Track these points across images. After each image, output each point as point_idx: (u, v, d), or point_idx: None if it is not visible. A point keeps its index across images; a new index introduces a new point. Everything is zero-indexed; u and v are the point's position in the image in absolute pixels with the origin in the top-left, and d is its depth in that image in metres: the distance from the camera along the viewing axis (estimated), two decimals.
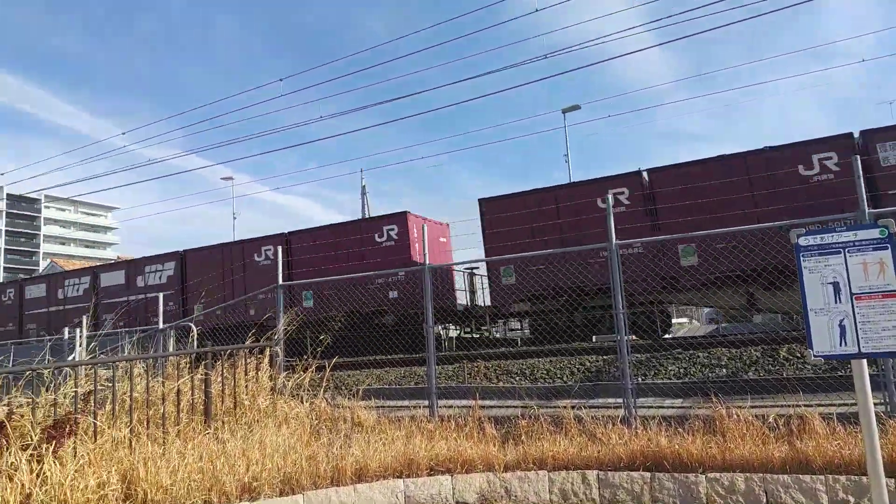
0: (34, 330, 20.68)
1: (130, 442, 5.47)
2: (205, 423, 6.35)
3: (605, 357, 9.78)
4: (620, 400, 6.75)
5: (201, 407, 6.53)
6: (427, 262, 8.08)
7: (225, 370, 6.87)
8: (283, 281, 9.29)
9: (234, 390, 6.81)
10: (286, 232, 17.13)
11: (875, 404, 3.73)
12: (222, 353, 7.04)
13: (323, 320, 13.19)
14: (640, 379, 8.22)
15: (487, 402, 8.00)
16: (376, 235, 15.50)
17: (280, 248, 10.08)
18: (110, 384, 5.96)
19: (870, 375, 3.53)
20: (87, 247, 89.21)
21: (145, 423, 5.87)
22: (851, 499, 4.60)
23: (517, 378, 9.75)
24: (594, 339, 15.44)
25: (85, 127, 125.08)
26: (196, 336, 8.95)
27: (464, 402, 7.80)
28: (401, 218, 15.43)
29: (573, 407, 6.72)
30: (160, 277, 18.88)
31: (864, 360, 3.43)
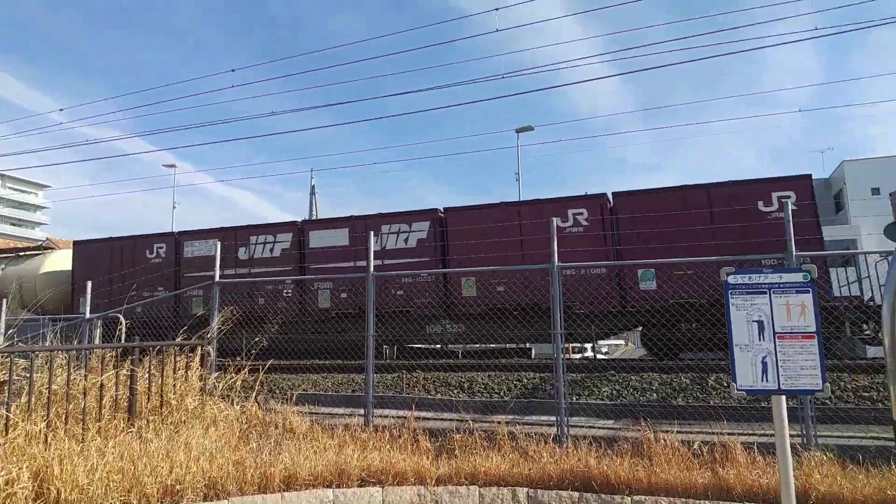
0: None
1: (46, 437, 5.20)
2: (128, 421, 6.10)
3: (541, 374, 9.93)
4: (554, 418, 6.86)
5: (125, 404, 6.27)
6: (371, 269, 8.03)
7: (153, 367, 6.62)
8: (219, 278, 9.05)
9: (161, 388, 6.57)
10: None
11: (792, 436, 3.94)
12: (151, 348, 6.78)
13: (261, 319, 12.90)
14: (574, 398, 8.37)
15: (424, 414, 7.99)
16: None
17: (219, 244, 9.80)
18: (28, 374, 5.66)
19: (789, 408, 3.71)
20: (13, 224, 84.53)
21: (64, 418, 5.59)
22: None
23: (455, 391, 9.78)
24: (533, 356, 15.68)
25: (20, 99, 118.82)
26: (125, 329, 8.61)
27: (400, 413, 7.77)
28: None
29: (508, 423, 6.79)
30: None
31: (784, 396, 3.61)
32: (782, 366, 3.55)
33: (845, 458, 5.47)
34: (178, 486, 4.98)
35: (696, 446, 5.80)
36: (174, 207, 40.12)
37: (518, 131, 30.07)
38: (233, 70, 35.50)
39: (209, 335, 7.99)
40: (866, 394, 7.81)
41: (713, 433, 6.19)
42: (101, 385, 6.01)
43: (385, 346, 14.81)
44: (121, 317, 9.44)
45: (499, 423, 6.76)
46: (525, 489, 5.48)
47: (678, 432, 6.12)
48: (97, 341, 9.93)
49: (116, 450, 5.15)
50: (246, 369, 7.70)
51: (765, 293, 3.65)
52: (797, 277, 3.61)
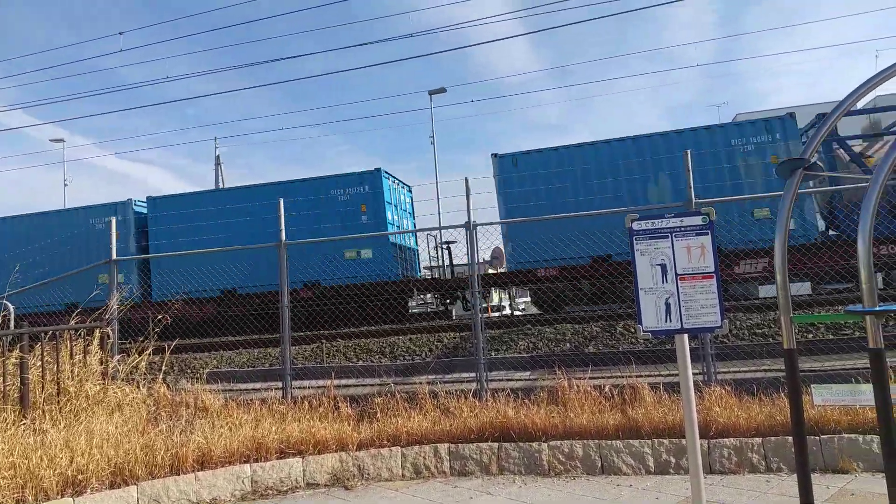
0: None
1: None
2: (20, 413, 5.64)
3: (462, 334, 10.05)
4: (474, 374, 6.97)
5: (16, 395, 5.79)
6: (284, 238, 7.75)
7: (46, 354, 6.14)
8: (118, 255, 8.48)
9: (57, 376, 6.11)
10: None
11: (694, 374, 4.15)
12: (43, 334, 6.27)
13: (163, 300, 12.29)
14: (493, 353, 8.53)
15: (345, 382, 7.91)
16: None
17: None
18: None
19: (691, 349, 3.89)
20: None
21: None
22: (673, 459, 5.10)
23: (377, 357, 9.73)
24: (454, 317, 15.87)
25: None
26: (13, 316, 7.92)
27: (321, 383, 7.64)
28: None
29: (429, 383, 6.82)
30: None
31: (686, 335, 3.77)
32: (684, 306, 3.69)
33: (742, 390, 5.87)
34: (80, 477, 4.67)
35: (606, 390, 6.05)
36: (65, 185, 37.22)
37: (431, 94, 29.78)
38: (120, 33, 32.84)
39: (108, 316, 7.49)
40: (759, 331, 8.41)
41: (622, 377, 6.48)
42: None
43: None
44: (7, 303, 8.68)
45: (420, 384, 6.79)
46: (446, 445, 5.55)
47: (590, 378, 6.36)
48: None
49: (6, 444, 4.75)
50: (150, 350, 7.29)
51: (667, 237, 3.76)
52: (696, 221, 3.73)
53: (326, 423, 6.02)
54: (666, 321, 3.74)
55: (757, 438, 5.04)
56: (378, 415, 6.29)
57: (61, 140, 36.47)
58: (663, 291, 3.77)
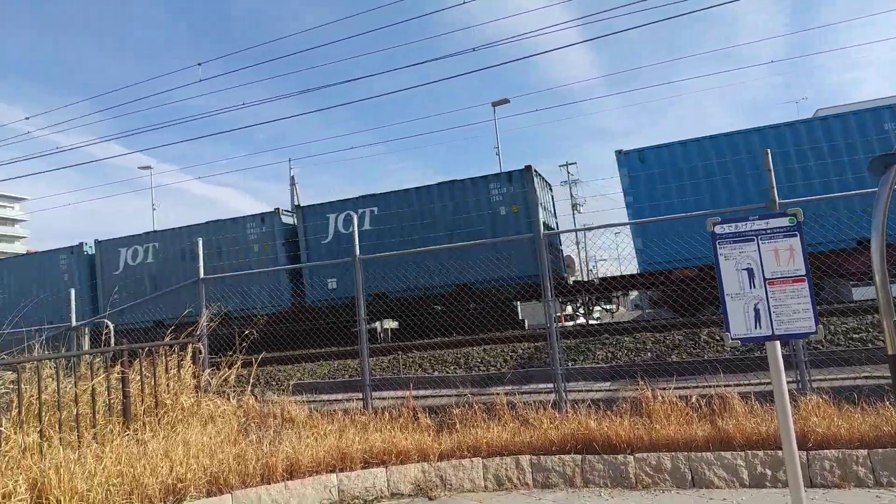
0: None
1: (40, 447, 5.12)
2: (124, 424, 6.02)
3: (536, 344, 9.96)
4: (551, 385, 6.88)
5: (119, 408, 6.19)
6: (358, 252, 7.94)
7: (144, 368, 6.54)
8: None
9: (154, 389, 6.48)
10: None
11: (788, 382, 3.95)
12: (141, 350, 6.68)
13: (248, 315, 12.82)
14: (570, 364, 8.40)
15: (422, 392, 7.99)
16: None
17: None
18: (15, 386, 5.55)
19: (783, 356, 3.71)
20: None
21: (57, 427, 5.50)
22: (769, 472, 4.86)
23: (452, 367, 9.78)
24: (526, 327, 15.75)
25: None
26: (113, 333, 8.49)
27: (398, 394, 7.75)
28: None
29: (506, 393, 6.79)
30: None
31: (778, 342, 3.60)
32: (775, 311, 3.53)
33: (840, 399, 5.53)
34: (179, 485, 4.93)
35: (693, 400, 5.84)
36: (153, 210, 39.66)
37: (494, 105, 29.90)
38: (199, 64, 34.74)
39: (198, 332, 7.89)
40: (856, 335, 7.90)
41: (710, 386, 6.23)
42: (93, 391, 5.91)
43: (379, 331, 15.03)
44: (108, 322, 9.32)
45: (497, 394, 6.77)
46: (528, 456, 5.50)
47: (675, 388, 6.16)
48: (86, 348, 9.80)
49: (114, 454, 5.08)
50: (239, 363, 7.63)
51: (752, 240, 3.62)
52: (783, 222, 3.58)
53: (407, 434, 6.10)
54: (756, 328, 3.59)
55: (862, 450, 4.73)
56: (457, 425, 6.31)
57: (149, 167, 38.93)
58: (751, 297, 3.63)
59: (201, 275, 8.79)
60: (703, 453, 5.07)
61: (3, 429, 5.04)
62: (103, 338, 8.57)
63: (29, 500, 4.40)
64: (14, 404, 5.42)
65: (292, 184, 35.36)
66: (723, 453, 5.02)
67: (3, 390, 5.35)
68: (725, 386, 6.08)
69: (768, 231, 3.63)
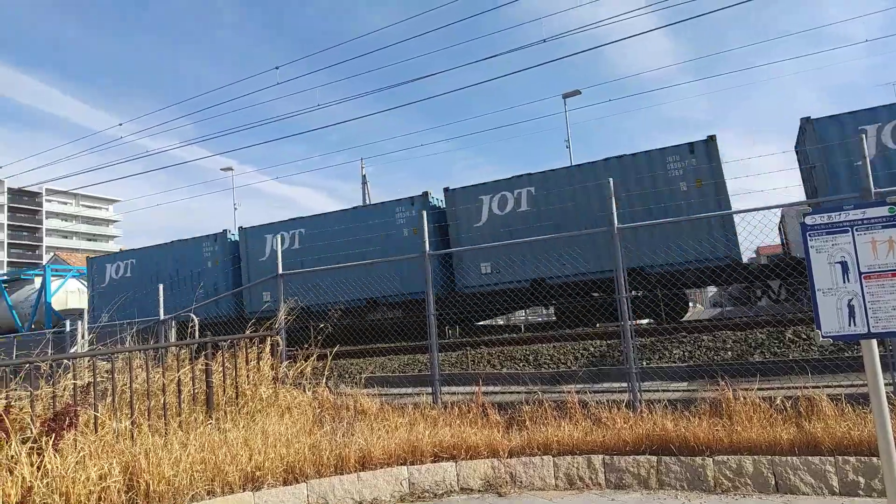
0: None
1: (132, 433, 5.44)
2: (206, 413, 6.31)
3: (608, 342, 9.73)
4: (625, 384, 6.70)
5: (203, 397, 6.49)
6: (427, 248, 8.00)
7: (226, 360, 6.83)
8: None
9: (235, 380, 6.76)
10: None
11: (885, 384, 3.67)
12: (223, 342, 6.98)
13: (324, 309, 13.16)
14: (644, 363, 8.16)
15: (491, 389, 7.96)
16: None
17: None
18: (110, 376, 5.92)
19: (879, 356, 3.46)
20: (89, 240, 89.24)
21: (146, 415, 5.83)
22: (862, 480, 4.55)
23: (521, 364, 9.70)
24: (597, 325, 15.40)
25: (80, 117, 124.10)
26: (198, 326, 8.92)
27: (467, 389, 7.77)
28: None
29: (577, 392, 6.67)
30: None
31: (874, 341, 3.36)
32: (871, 308, 3.29)
33: None
34: (257, 472, 5.13)
35: (778, 402, 5.54)
36: (235, 209, 41.44)
37: (565, 97, 29.35)
38: (276, 67, 36.03)
39: (277, 325, 8.17)
40: None
41: (796, 387, 5.89)
42: (179, 381, 6.23)
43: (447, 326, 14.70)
44: (193, 315, 9.80)
45: (568, 392, 6.66)
46: (601, 456, 5.38)
47: (758, 389, 5.86)
48: (172, 340, 10.35)
49: (197, 441, 5.33)
50: (314, 356, 7.84)
51: (847, 231, 3.39)
52: (882, 212, 3.33)
53: (476, 429, 6.10)
54: (850, 325, 3.37)
55: None
56: (527, 423, 6.26)
57: (230, 168, 40.64)
58: (845, 292, 3.40)
59: (279, 270, 9.11)
60: (789, 458, 4.80)
61: (98, 415, 5.39)
62: (189, 331, 9.00)
63: (122, 482, 4.68)
64: (108, 393, 5.78)
65: (364, 182, 36.07)
66: (810, 458, 4.74)
67: (99, 379, 5.70)
68: (813, 387, 5.74)
69: (865, 221, 3.39)
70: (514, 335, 12.57)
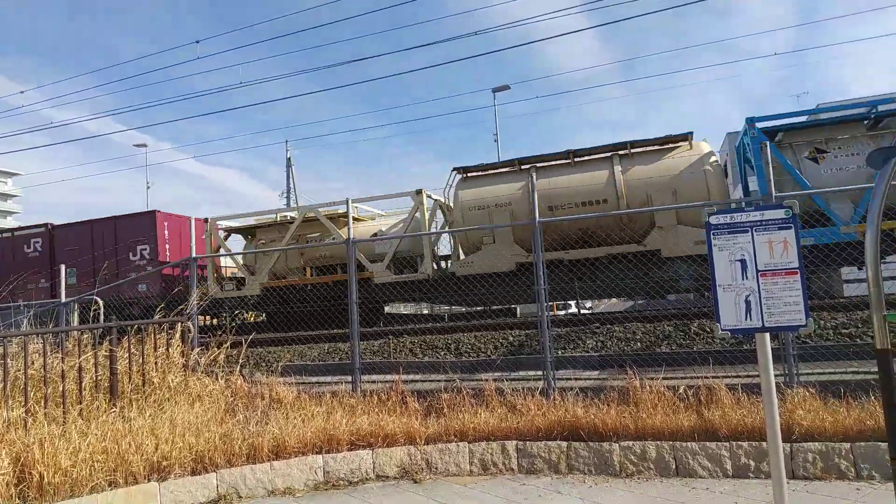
0: None
1: (25, 422, 5.09)
2: (110, 401, 6.00)
3: (527, 332, 9.95)
4: (541, 372, 6.89)
5: (106, 385, 6.16)
6: (351, 234, 7.90)
7: (133, 346, 6.50)
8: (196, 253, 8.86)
9: (142, 367, 6.45)
10: None
11: (776, 375, 3.95)
12: (129, 327, 6.64)
13: (243, 297, 12.78)
14: (559, 352, 8.41)
15: (411, 377, 7.98)
16: None
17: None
18: (1, 361, 5.50)
19: (772, 349, 3.71)
20: None
21: (43, 403, 5.47)
22: (752, 463, 4.89)
23: (442, 353, 9.77)
24: (518, 314, 15.74)
25: None
26: (102, 310, 8.43)
27: (388, 377, 7.74)
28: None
29: (495, 380, 6.80)
30: None
31: (767, 334, 3.60)
32: (766, 303, 3.52)
33: (827, 393, 5.55)
34: (164, 463, 4.93)
35: (681, 391, 5.86)
36: (148, 188, 39.41)
37: (495, 91, 29.69)
38: (197, 41, 34.42)
39: (188, 311, 7.85)
40: (845, 330, 7.92)
41: (698, 377, 6.24)
42: (80, 367, 5.88)
43: None
44: (97, 298, 9.24)
45: (486, 380, 6.77)
46: (514, 442, 5.51)
47: (663, 378, 6.17)
48: (75, 325, 9.74)
49: (99, 430, 5.06)
50: (228, 343, 7.59)
51: (747, 231, 3.60)
52: (779, 214, 3.56)
53: (394, 417, 6.10)
54: (746, 319, 3.59)
55: (845, 443, 4.76)
56: (445, 410, 6.32)
57: (144, 145, 38.62)
58: (743, 288, 3.62)
59: (193, 253, 8.74)
60: (689, 443, 5.09)
61: None
62: (91, 314, 8.50)
63: (11, 474, 4.38)
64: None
65: (288, 166, 35.21)
66: (707, 444, 5.04)
67: None
68: (714, 377, 6.09)
69: (764, 223, 3.61)
70: (438, 325, 12.65)
